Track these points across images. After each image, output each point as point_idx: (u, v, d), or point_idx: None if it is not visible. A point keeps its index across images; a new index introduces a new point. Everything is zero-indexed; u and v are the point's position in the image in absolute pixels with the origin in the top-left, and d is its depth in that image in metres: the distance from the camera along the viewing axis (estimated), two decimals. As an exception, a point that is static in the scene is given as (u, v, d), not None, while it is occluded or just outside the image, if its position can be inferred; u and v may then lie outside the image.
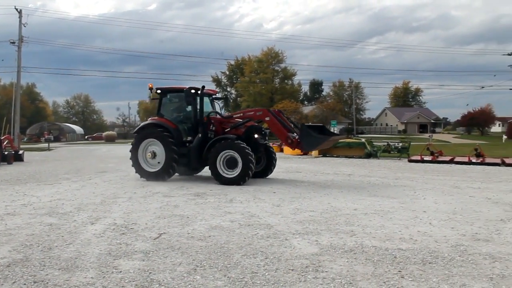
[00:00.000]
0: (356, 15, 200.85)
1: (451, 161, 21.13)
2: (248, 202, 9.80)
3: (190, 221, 7.81)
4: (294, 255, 5.71)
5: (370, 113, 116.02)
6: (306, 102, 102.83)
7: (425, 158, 21.87)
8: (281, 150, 29.58)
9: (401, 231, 7.01)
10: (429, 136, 51.87)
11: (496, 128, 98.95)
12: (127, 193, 11.25)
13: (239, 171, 13.02)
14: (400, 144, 25.85)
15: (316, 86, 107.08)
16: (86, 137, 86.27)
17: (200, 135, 13.98)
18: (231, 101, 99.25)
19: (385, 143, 26.80)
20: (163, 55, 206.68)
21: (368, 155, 24.73)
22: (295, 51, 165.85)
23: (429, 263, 5.42)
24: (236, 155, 13.02)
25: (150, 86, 15.63)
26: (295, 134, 13.72)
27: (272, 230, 7.12)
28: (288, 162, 22.08)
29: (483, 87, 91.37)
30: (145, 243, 6.38)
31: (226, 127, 14.19)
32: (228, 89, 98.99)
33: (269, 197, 10.54)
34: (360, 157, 24.46)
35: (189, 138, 14.31)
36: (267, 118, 14.00)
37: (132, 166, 14.55)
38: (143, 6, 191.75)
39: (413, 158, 22.47)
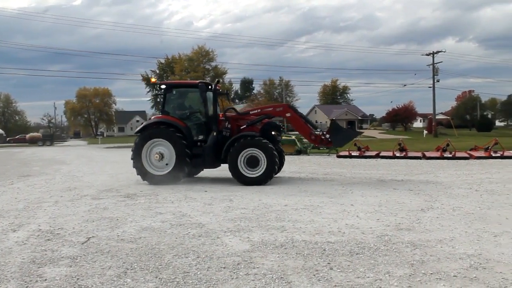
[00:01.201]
0: (285, 14, 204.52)
1: (377, 156, 22.02)
2: (180, 202, 9.72)
3: (120, 223, 7.63)
4: (226, 253, 5.73)
5: (300, 110, 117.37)
6: (237, 101, 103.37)
7: (352, 154, 22.61)
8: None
9: (330, 225, 7.23)
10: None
11: (418, 123, 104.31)
12: (53, 197, 10.78)
13: (263, 170, 12.45)
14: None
15: (247, 84, 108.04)
16: (7, 139, 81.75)
17: (214, 133, 13.11)
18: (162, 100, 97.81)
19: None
20: (91, 53, 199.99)
21: (299, 152, 25.26)
22: (226, 49, 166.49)
23: (356, 254, 5.63)
24: (260, 154, 12.44)
25: (153, 81, 14.78)
26: (319, 130, 13.51)
27: (204, 229, 7.11)
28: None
29: (405, 85, 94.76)
30: (73, 248, 6.15)
31: (241, 124, 13.35)
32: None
33: (200, 196, 10.50)
34: (291, 154, 24.88)
35: (200, 137, 13.34)
36: (288, 114, 13.46)
37: (135, 168, 13.17)
38: (68, 1, 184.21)
39: (341, 153, 23.15)
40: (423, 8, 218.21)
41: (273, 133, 13.29)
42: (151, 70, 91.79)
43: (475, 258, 5.38)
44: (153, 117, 14.01)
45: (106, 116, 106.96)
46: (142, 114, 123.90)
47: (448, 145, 22.03)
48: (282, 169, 13.92)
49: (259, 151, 12.41)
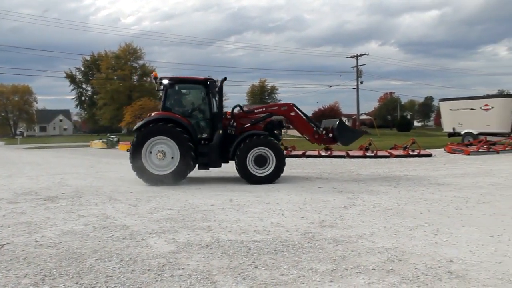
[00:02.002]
0: (215, 13, 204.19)
1: (303, 155, 22.50)
2: (104, 204, 9.44)
3: (38, 228, 7.28)
4: (150, 255, 5.64)
5: (229, 110, 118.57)
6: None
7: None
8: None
9: (256, 224, 7.31)
10: (284, 131, 54.56)
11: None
12: (-36, 202, 10.09)
13: (271, 169, 12.44)
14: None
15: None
16: None
17: (220, 131, 12.71)
18: (87, 98, 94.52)
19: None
20: (8, 47, 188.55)
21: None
22: (154, 47, 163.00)
23: (281, 251, 5.74)
24: (269, 153, 12.41)
25: (155, 74, 13.59)
26: (321, 129, 13.68)
27: (128, 231, 6.96)
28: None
29: (331, 86, 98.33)
30: (-15, 255, 5.80)
31: (245, 122, 13.18)
32: (84, 86, 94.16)
33: (125, 197, 10.25)
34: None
35: (204, 135, 12.94)
36: (292, 114, 13.56)
37: (133, 169, 12.42)
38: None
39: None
40: (349, 12, 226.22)
41: (275, 131, 13.37)
42: (76, 68, 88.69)
43: (392, 251, 5.66)
44: (153, 114, 13.12)
45: (26, 115, 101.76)
46: (66, 113, 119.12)
47: (370, 144, 22.94)
48: (211, 169, 13.81)
49: (268, 150, 12.42)
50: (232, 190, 11.10)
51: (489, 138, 26.07)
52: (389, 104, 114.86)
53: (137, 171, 12.38)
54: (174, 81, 13.23)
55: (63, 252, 5.84)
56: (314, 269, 5.05)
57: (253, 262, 5.32)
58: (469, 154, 22.67)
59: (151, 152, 12.31)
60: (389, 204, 9.00)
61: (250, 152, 12.34)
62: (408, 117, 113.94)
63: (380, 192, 10.60)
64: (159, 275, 4.92)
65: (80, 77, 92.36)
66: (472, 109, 28.94)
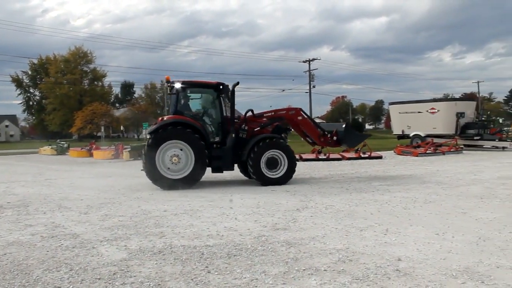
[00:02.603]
0: (168, 17, 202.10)
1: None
2: (53, 212, 9.15)
3: (-18, 239, 6.99)
4: (101, 263, 5.52)
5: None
6: (117, 105, 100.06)
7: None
8: (91, 155, 28.32)
9: (209, 228, 7.30)
10: None
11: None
12: None
13: (284, 171, 12.88)
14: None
15: (127, 88, 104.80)
16: None
17: (233, 135, 12.87)
18: (35, 103, 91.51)
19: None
20: None
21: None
22: (105, 51, 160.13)
23: (234, 255, 5.75)
24: (280, 155, 12.86)
25: (167, 78, 13.40)
26: (327, 133, 14.39)
27: (78, 239, 6.78)
28: (97, 167, 21.16)
29: (283, 90, 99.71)
30: None
31: (254, 126, 13.42)
32: (31, 91, 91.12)
33: (75, 205, 9.98)
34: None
35: (216, 139, 13.06)
36: (299, 118, 14.22)
37: (146, 173, 12.33)
38: None
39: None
40: (301, 17, 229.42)
41: (282, 135, 13.73)
42: (22, 71, 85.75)
43: (343, 252, 5.78)
44: (165, 117, 12.98)
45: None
46: (13, 118, 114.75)
47: (323, 147, 23.29)
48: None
49: (280, 152, 12.85)
50: (186, 195, 11.02)
51: (435, 140, 27.08)
52: (341, 107, 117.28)
53: (151, 176, 12.28)
54: (186, 85, 13.25)
55: (8, 264, 5.62)
56: (267, 272, 5.09)
57: (206, 267, 5.31)
58: (417, 156, 23.47)
59: (164, 156, 12.21)
60: (340, 205, 9.18)
61: (264, 155, 12.69)
62: (360, 120, 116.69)
63: (332, 194, 10.80)
64: (110, 283, 4.82)
65: (28, 81, 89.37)
66: (419, 112, 29.97)
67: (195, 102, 13.94)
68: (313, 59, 64.50)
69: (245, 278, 4.91)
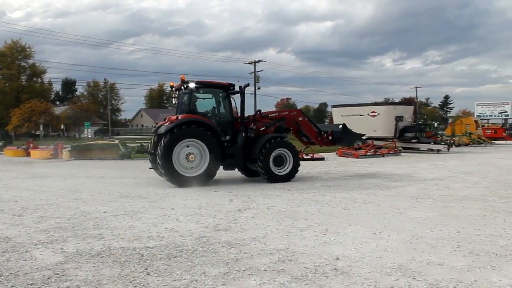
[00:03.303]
0: (113, 14, 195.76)
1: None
2: (-17, 215, 8.72)
3: None
4: (35, 268, 5.31)
5: (126, 114, 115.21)
6: (58, 102, 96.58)
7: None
8: (28, 155, 27.19)
9: (150, 230, 7.19)
10: None
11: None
12: None
13: (289, 168, 13.68)
14: (154, 144, 26.35)
15: (69, 85, 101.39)
16: None
17: (243, 134, 13.48)
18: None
19: (139, 144, 27.03)
20: None
21: (122, 156, 24.55)
22: (45, 46, 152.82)
23: (174, 257, 5.70)
24: (287, 153, 13.67)
25: (182, 77, 13.42)
26: (323, 132, 15.56)
27: (11, 243, 6.48)
28: (34, 167, 20.32)
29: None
30: None
31: (259, 126, 14.07)
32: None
33: (9, 206, 9.55)
34: (114, 159, 24.10)
35: (227, 138, 13.50)
36: (300, 118, 15.40)
37: (162, 171, 12.48)
38: None
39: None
40: (248, 19, 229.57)
41: (284, 134, 14.62)
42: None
43: (283, 252, 5.86)
44: (180, 116, 12.87)
45: None
46: None
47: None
48: (100, 175, 13.39)
49: (286, 151, 13.67)
50: (126, 196, 10.80)
51: (376, 143, 27.89)
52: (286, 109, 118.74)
53: (167, 173, 12.42)
54: (200, 84, 13.58)
55: None
56: (207, 273, 5.08)
57: (146, 269, 5.23)
58: (358, 158, 24.11)
59: (179, 155, 12.45)
60: (282, 206, 9.30)
61: (272, 153, 13.38)
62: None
63: (274, 195, 10.91)
64: (43, 288, 4.66)
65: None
66: (360, 115, 30.77)
67: (207, 102, 14.25)
68: (259, 61, 64.82)
69: (185, 279, 4.88)
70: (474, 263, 5.42)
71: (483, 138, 40.33)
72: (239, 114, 14.05)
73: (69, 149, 25.70)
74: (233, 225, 7.53)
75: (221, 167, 13.47)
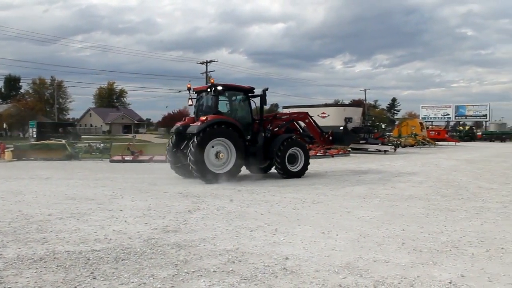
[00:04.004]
0: (60, 9, 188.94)
1: (150, 160, 22.17)
2: None
3: None
4: (-28, 274, 5.06)
5: (74, 113, 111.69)
6: (0, 100, 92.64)
7: (126, 158, 22.40)
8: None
9: (97, 232, 7.00)
10: (133, 136, 53.33)
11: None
12: None
13: (301, 165, 15.10)
14: (102, 144, 25.81)
15: (12, 82, 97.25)
16: None
17: (263, 134, 14.75)
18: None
19: (87, 144, 26.36)
20: None
21: (69, 157, 23.85)
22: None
23: (122, 260, 5.57)
24: (299, 152, 15.10)
25: (212, 81, 14.64)
26: (324, 133, 17.46)
27: None
28: (-26, 169, 19.37)
29: (180, 91, 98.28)
30: None
31: (274, 127, 15.37)
32: None
33: None
34: (61, 159, 23.37)
35: (248, 137, 14.49)
36: (307, 120, 17.03)
37: (196, 168, 13.11)
38: None
39: (115, 158, 22.73)
40: (201, 19, 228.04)
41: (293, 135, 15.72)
42: None
43: (233, 253, 5.85)
44: (209, 117, 13.52)
45: None
46: None
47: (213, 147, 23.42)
48: (45, 176, 12.94)
49: (299, 149, 15.10)
50: (73, 198, 10.47)
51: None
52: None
53: (199, 170, 13.15)
54: (225, 88, 14.46)
55: None
56: (156, 275, 5.00)
57: (92, 273, 5.09)
58: (308, 158, 24.39)
59: (209, 153, 13.35)
60: (232, 207, 9.29)
61: (287, 152, 14.65)
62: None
63: (224, 195, 10.88)
64: (-19, 295, 4.45)
65: None
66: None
67: (233, 104, 15.24)
68: (211, 61, 64.49)
69: (133, 282, 4.78)
70: (417, 259, 5.60)
71: (428, 139, 41.86)
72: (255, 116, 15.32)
73: (12, 149, 24.71)
74: (182, 226, 7.45)
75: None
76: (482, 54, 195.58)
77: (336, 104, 68.59)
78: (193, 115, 15.27)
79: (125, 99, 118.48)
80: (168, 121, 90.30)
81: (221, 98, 14.48)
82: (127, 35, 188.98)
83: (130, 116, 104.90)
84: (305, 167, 15.23)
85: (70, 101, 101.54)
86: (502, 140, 63.18)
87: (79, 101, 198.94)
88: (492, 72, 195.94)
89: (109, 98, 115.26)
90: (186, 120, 14.96)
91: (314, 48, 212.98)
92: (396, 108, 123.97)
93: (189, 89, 15.51)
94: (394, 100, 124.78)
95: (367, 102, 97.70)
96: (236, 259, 5.60)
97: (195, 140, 13.09)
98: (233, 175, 13.66)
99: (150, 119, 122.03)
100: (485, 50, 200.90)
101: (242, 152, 13.75)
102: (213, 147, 13.43)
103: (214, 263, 5.44)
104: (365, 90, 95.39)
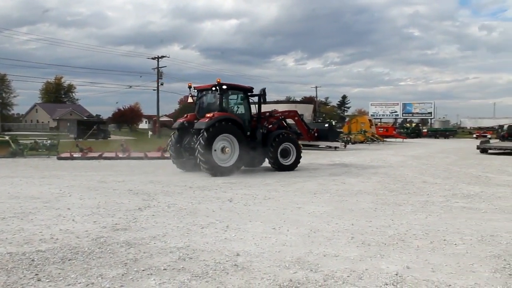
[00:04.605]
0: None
1: (100, 157, 21.67)
2: None
3: None
4: None
5: (18, 108, 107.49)
6: None
7: (74, 155, 21.77)
8: None
9: (42, 232, 6.77)
10: (121, 145, 51.86)
11: (143, 125, 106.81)
12: None
13: (293, 159, 16.39)
14: (49, 141, 24.96)
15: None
16: None
17: (261, 130, 15.92)
18: None
19: (32, 141, 25.41)
20: None
21: (13, 154, 22.90)
22: None
23: (69, 260, 5.42)
24: (291, 147, 16.38)
25: (218, 81, 15.00)
26: (311, 129, 19.18)
27: None
28: None
29: (131, 87, 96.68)
30: None
31: (268, 123, 16.45)
32: None
33: None
34: (4, 157, 22.41)
35: (248, 134, 15.49)
36: (296, 118, 18.33)
37: (203, 162, 14.05)
38: None
39: (63, 155, 22.04)
40: (153, 14, 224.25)
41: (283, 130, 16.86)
42: None
43: (184, 250, 5.80)
44: (215, 114, 14.54)
45: None
46: None
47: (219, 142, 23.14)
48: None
49: (291, 144, 16.38)
50: (17, 197, 10.07)
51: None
52: (190, 106, 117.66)
53: (207, 164, 14.12)
54: (229, 87, 15.46)
55: None
56: (104, 275, 4.89)
57: (36, 274, 4.91)
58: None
59: (215, 148, 14.32)
60: (183, 204, 9.21)
61: (280, 146, 15.90)
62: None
63: (175, 192, 10.78)
64: None
65: None
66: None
67: (234, 102, 16.50)
68: (162, 57, 63.47)
69: (80, 283, 4.66)
70: (366, 253, 5.75)
71: (376, 136, 42.96)
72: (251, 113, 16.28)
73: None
74: (132, 224, 7.33)
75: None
76: (428, 54, 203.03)
77: (288, 101, 69.28)
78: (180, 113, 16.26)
79: (73, 94, 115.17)
80: (119, 117, 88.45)
81: (227, 96, 15.74)
82: (76, 28, 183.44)
83: (79, 112, 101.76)
84: (297, 161, 16.45)
85: (14, 96, 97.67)
86: (446, 136, 65.61)
87: (24, 96, 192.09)
88: (437, 71, 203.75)
89: (57, 93, 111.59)
90: (188, 116, 15.95)
91: (267, 45, 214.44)
92: (346, 105, 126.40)
93: (190, 87, 16.55)
94: (344, 97, 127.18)
95: (318, 99, 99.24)
96: (187, 256, 5.56)
97: (205, 134, 14.03)
98: (236, 168, 14.88)
99: (100, 115, 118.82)
100: (431, 50, 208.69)
101: (245, 146, 14.84)
102: (219, 142, 14.38)
103: (164, 261, 5.38)
104: (316, 87, 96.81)
